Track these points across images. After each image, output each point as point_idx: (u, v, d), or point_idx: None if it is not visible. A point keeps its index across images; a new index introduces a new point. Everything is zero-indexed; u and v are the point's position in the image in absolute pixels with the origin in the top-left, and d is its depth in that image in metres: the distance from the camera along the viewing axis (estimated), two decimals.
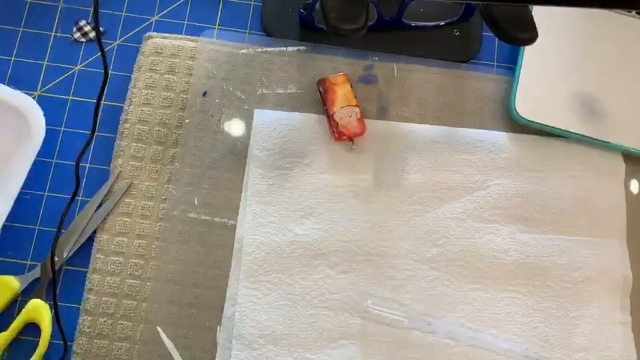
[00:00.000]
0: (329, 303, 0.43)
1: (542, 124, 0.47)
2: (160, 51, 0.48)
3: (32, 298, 0.43)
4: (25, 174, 0.43)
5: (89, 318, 0.43)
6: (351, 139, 0.46)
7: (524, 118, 0.47)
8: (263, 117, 0.47)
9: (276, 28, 0.50)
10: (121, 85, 0.48)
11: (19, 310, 0.43)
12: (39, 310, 0.43)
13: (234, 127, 0.47)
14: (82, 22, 0.50)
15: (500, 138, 0.48)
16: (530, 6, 0.46)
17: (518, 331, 0.44)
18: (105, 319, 0.43)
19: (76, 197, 0.45)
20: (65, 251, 0.44)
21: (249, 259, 0.44)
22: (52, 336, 0.43)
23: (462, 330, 0.43)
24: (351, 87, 0.47)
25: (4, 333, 0.42)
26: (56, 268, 0.43)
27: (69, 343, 0.42)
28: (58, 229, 0.42)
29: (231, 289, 0.43)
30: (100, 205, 0.45)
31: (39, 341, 0.42)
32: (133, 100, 0.47)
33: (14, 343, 0.43)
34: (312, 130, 0.47)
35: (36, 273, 0.44)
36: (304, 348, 0.42)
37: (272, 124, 0.47)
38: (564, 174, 0.47)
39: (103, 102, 0.47)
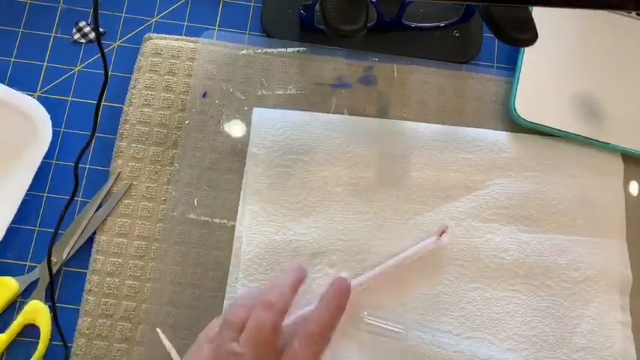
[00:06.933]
0: None
1: (541, 125, 0.47)
2: (159, 52, 0.48)
3: (31, 300, 0.43)
4: (31, 177, 0.43)
5: (88, 319, 0.43)
6: None
7: (524, 119, 0.47)
8: (261, 115, 0.47)
9: (276, 29, 0.50)
10: (121, 86, 0.48)
11: (19, 312, 0.43)
12: (38, 311, 0.43)
13: (234, 128, 0.47)
14: (82, 23, 0.50)
15: (501, 137, 0.48)
16: (530, 7, 0.46)
17: (517, 330, 0.44)
18: (104, 320, 0.43)
19: (76, 198, 0.45)
20: (64, 252, 0.44)
21: (249, 258, 0.44)
22: (51, 337, 0.43)
23: (462, 331, 0.43)
24: None
25: (3, 334, 0.42)
26: (56, 269, 0.43)
27: (68, 344, 0.42)
28: (56, 230, 0.42)
29: (230, 287, 0.43)
30: (100, 206, 0.45)
31: (38, 342, 0.42)
32: (133, 101, 0.47)
33: (13, 345, 0.43)
34: (311, 128, 0.47)
35: (35, 274, 0.44)
36: None
37: (270, 122, 0.47)
38: (564, 174, 0.47)
39: (102, 103, 0.47)
